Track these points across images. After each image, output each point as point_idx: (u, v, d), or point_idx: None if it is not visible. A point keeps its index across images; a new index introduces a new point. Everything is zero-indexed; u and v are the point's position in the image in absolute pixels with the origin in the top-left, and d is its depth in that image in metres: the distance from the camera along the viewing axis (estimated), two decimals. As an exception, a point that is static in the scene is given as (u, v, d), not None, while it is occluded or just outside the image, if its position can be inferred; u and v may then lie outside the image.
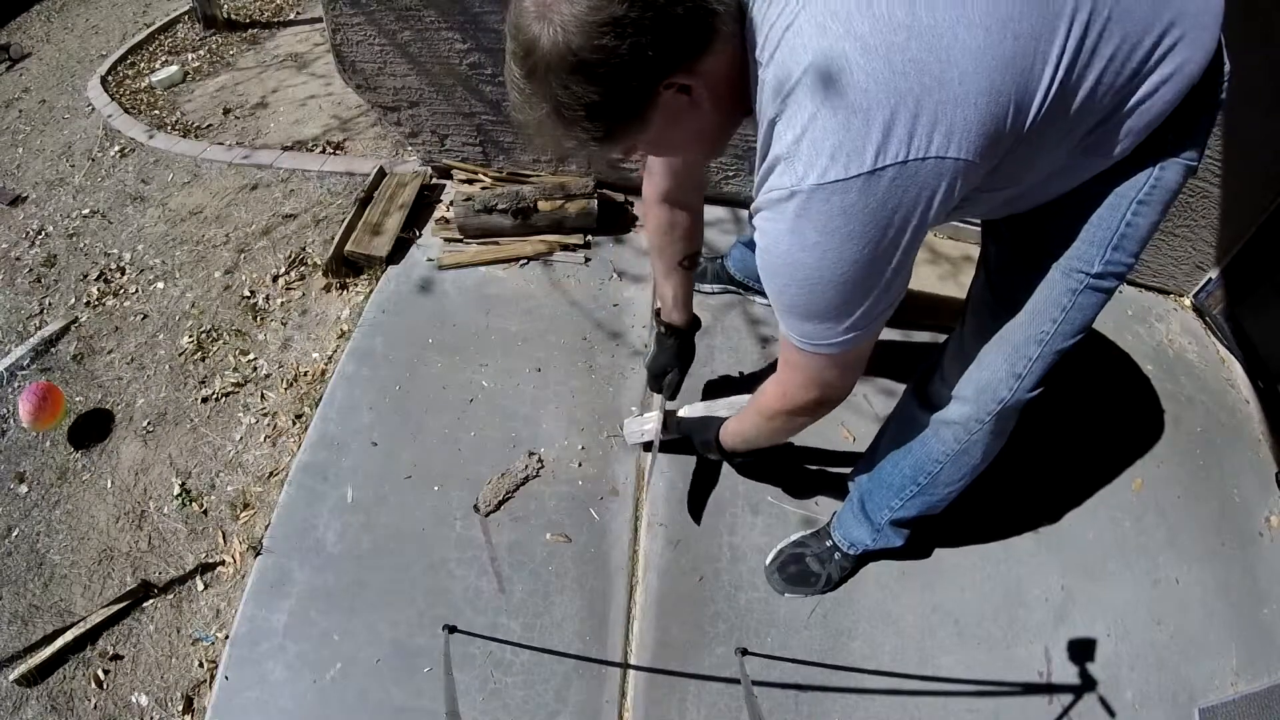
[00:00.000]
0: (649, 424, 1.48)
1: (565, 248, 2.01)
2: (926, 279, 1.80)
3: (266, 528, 1.49)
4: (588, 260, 1.99)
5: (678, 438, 1.45)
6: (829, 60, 0.62)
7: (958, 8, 0.61)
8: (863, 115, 0.62)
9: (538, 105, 0.70)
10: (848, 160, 0.63)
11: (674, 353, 1.45)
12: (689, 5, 0.65)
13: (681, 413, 1.44)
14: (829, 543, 1.36)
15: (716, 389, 1.68)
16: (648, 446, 1.52)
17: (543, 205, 1.97)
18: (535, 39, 0.65)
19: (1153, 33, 0.68)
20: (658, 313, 1.46)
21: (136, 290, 2.17)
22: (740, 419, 1.17)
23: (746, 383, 1.68)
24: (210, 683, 1.33)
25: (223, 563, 1.51)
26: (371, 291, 1.93)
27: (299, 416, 1.72)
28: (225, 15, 3.85)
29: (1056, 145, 0.74)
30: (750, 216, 0.78)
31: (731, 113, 0.78)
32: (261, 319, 2.00)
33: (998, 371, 0.96)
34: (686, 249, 1.31)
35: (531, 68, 0.67)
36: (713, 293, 1.88)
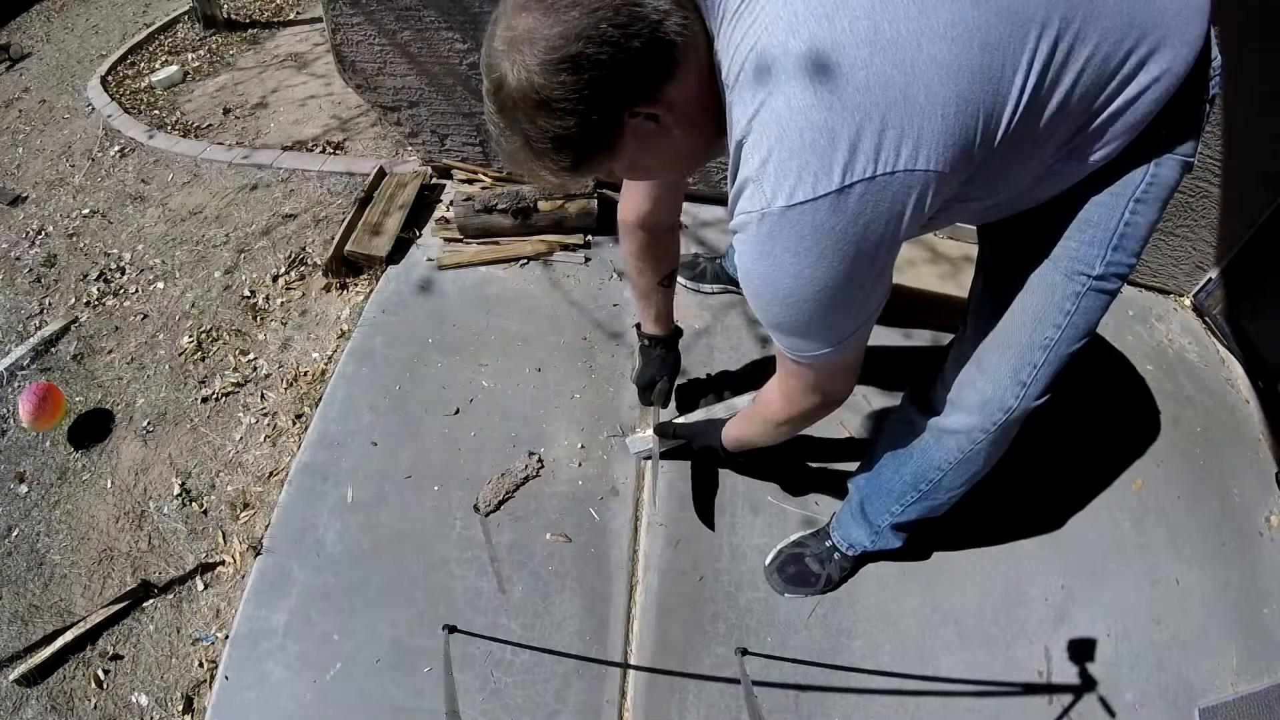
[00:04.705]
0: (646, 436, 1.48)
1: (565, 248, 2.01)
2: (927, 279, 1.80)
3: (266, 528, 1.49)
4: (588, 260, 1.99)
5: (678, 445, 1.44)
6: (792, 80, 0.62)
7: (921, 20, 0.61)
8: (828, 133, 0.62)
9: (511, 138, 0.72)
10: (815, 180, 0.63)
11: (660, 362, 1.46)
12: (645, 38, 0.65)
13: (678, 420, 1.45)
14: (828, 543, 1.36)
15: (716, 389, 1.68)
16: (650, 458, 1.51)
17: (543, 205, 1.97)
18: (503, 77, 0.67)
19: (1131, 36, 0.67)
20: (638, 326, 1.46)
21: (136, 290, 2.17)
22: (743, 424, 1.16)
23: (745, 383, 1.68)
24: (210, 683, 1.33)
25: (223, 563, 1.51)
26: (371, 291, 1.93)
27: (299, 416, 1.72)
28: (225, 15, 3.85)
29: (1035, 153, 0.73)
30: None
31: (705, 136, 0.78)
32: (261, 319, 2.00)
33: (1003, 380, 0.93)
34: (665, 269, 1.32)
35: (501, 103, 0.69)
36: (713, 293, 1.88)
